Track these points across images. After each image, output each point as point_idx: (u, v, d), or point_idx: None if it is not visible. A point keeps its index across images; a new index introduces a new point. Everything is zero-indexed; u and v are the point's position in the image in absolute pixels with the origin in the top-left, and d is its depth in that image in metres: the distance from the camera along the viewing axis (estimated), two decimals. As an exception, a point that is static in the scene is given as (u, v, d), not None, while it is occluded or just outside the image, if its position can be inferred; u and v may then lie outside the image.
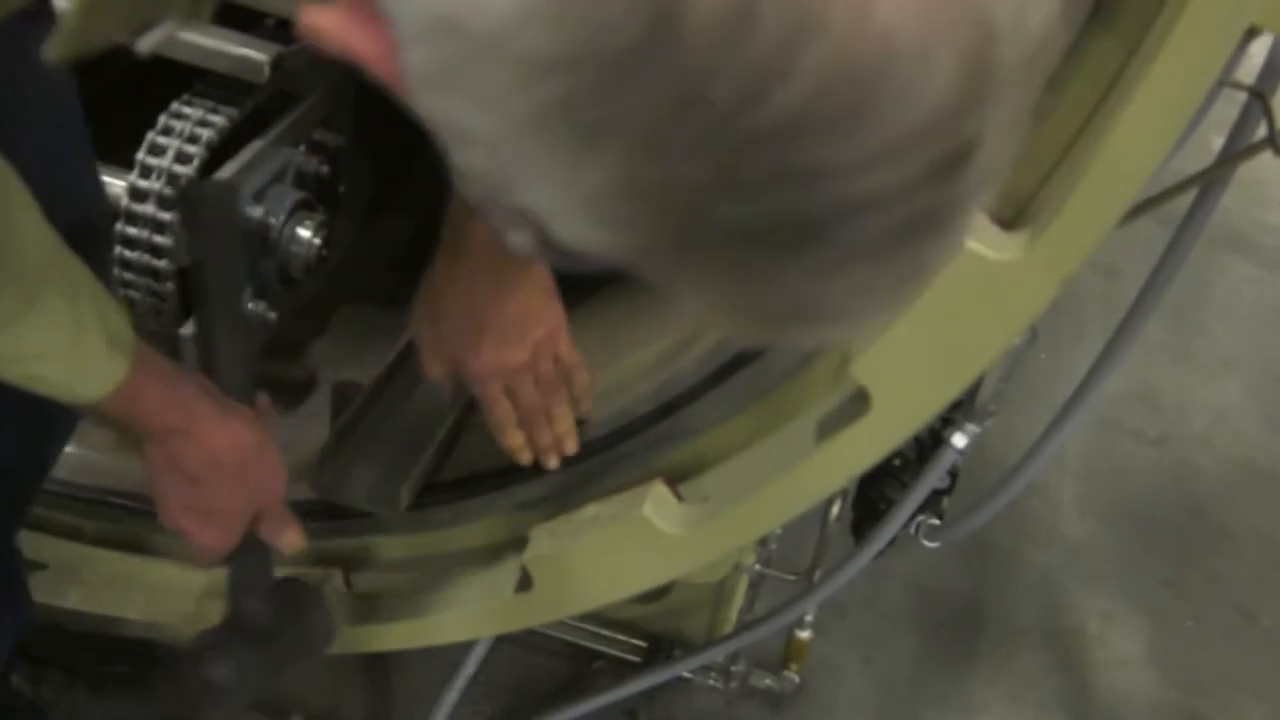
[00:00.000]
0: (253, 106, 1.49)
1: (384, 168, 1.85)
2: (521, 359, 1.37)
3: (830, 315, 0.57)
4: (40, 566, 1.65)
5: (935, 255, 0.56)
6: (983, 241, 1.09)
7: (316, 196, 1.59)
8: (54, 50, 0.78)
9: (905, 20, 0.47)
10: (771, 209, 0.51)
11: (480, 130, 0.53)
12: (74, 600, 1.64)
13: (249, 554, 1.31)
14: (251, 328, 1.49)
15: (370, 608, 1.57)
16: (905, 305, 0.61)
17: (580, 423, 1.42)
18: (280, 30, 1.55)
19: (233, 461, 1.23)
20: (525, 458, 1.41)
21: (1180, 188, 1.32)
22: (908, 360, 1.17)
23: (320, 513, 1.54)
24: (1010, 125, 0.53)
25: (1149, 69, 0.98)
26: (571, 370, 1.42)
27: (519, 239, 0.59)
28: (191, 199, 1.31)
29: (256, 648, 1.30)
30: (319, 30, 0.59)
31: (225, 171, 1.38)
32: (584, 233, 0.54)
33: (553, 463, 1.41)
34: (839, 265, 0.54)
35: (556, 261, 0.63)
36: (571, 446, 1.41)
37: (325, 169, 1.59)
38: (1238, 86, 1.20)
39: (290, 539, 1.32)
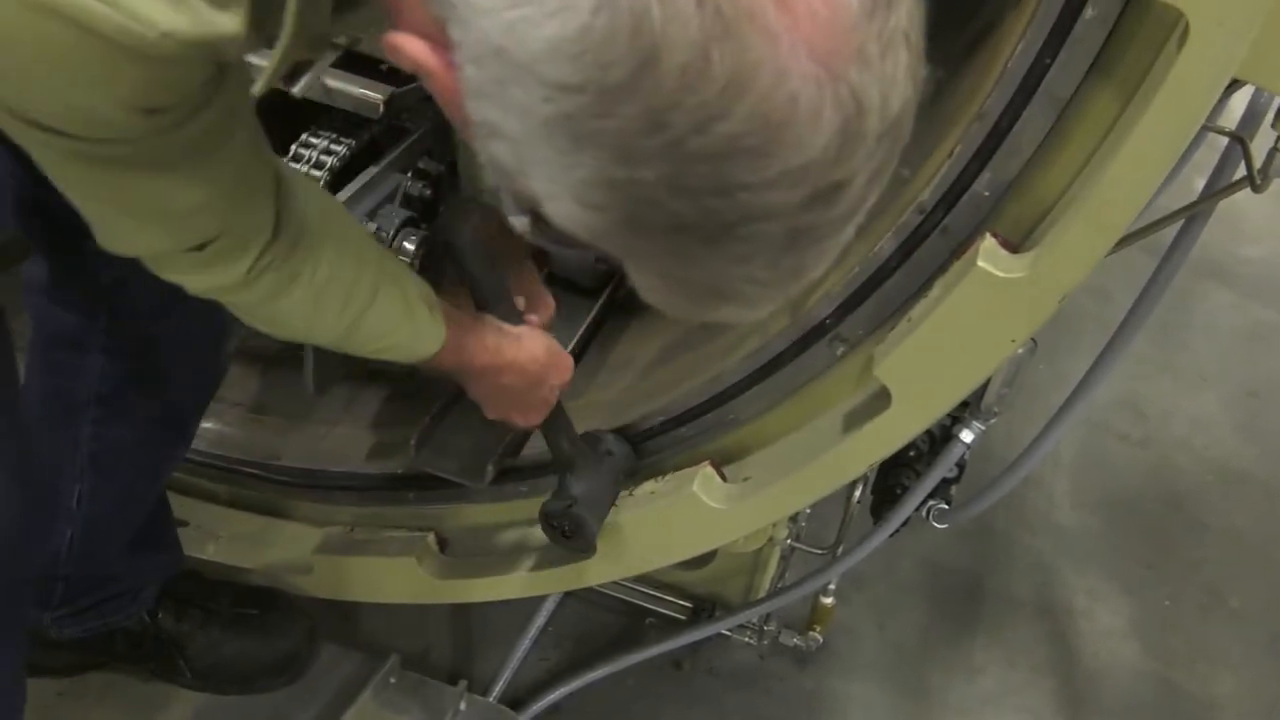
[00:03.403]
0: (368, 137, 1.52)
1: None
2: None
3: (734, 297, 0.68)
4: (183, 524, 1.69)
5: (813, 263, 0.68)
6: (993, 262, 1.09)
7: (420, 215, 1.62)
8: (258, 90, 0.82)
9: (808, 89, 0.58)
10: (702, 208, 0.61)
11: (507, 129, 0.63)
12: (210, 553, 1.67)
13: (558, 415, 1.36)
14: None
15: (458, 565, 1.59)
16: (788, 299, 0.71)
17: None
18: (393, 74, 1.57)
19: (538, 370, 1.28)
20: None
21: (1167, 220, 1.31)
22: (925, 363, 1.16)
23: (417, 483, 1.57)
24: (875, 175, 0.64)
25: (1141, 116, 0.98)
26: None
27: (520, 223, 0.71)
28: None
29: (587, 481, 1.38)
30: (401, 48, 0.69)
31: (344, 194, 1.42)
32: (569, 212, 0.64)
33: None
34: (744, 258, 0.64)
35: (546, 243, 0.74)
36: None
37: (428, 192, 1.61)
38: (1221, 131, 1.19)
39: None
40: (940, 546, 2.17)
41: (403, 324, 1.14)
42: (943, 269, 1.16)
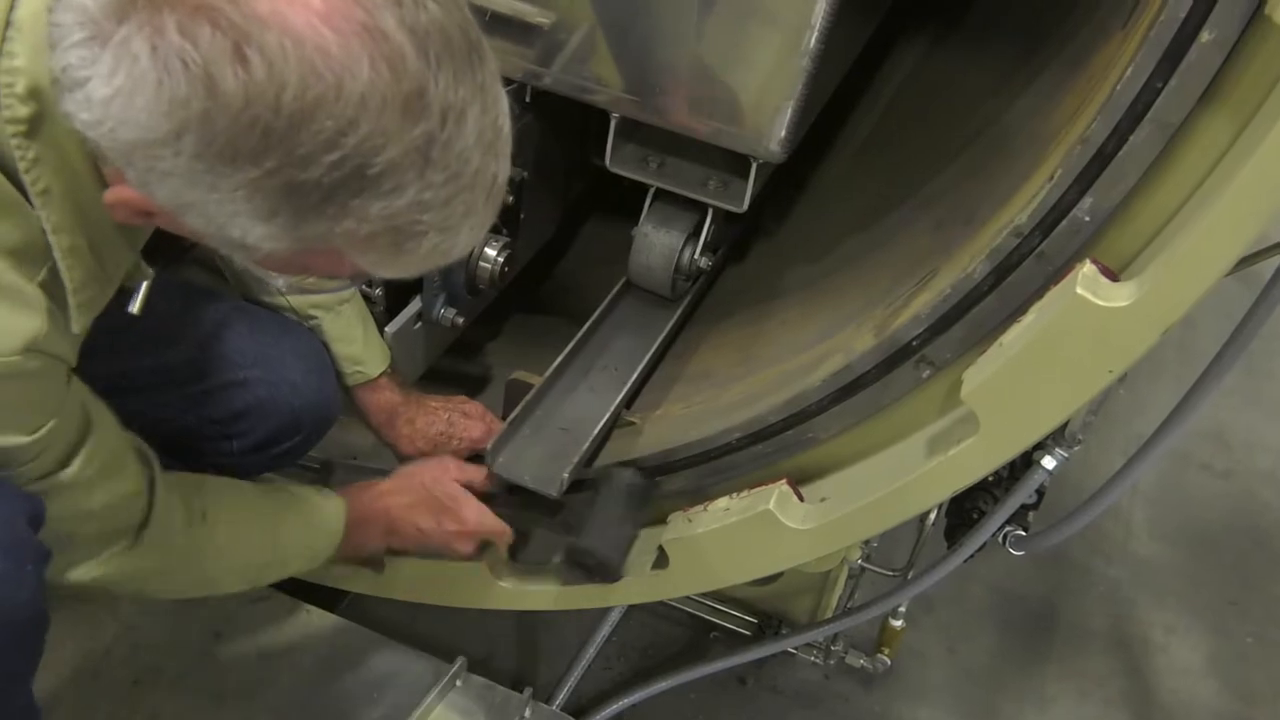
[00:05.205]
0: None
1: (557, 199, 1.88)
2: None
3: (422, 229, 0.80)
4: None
5: (467, 166, 0.79)
6: (1092, 290, 1.05)
7: (501, 221, 1.62)
8: (75, 326, 0.95)
9: (328, 38, 0.73)
10: (328, 165, 0.75)
11: (182, 197, 0.78)
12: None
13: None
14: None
15: (528, 574, 1.59)
16: (467, 221, 0.83)
17: None
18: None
19: (418, 473, 1.44)
20: None
21: (1270, 251, 1.26)
22: (1016, 391, 1.13)
23: (491, 492, 1.57)
24: (458, 76, 0.77)
25: (1259, 144, 0.94)
26: None
27: (284, 283, 0.91)
28: None
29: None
30: (110, 202, 0.84)
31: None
32: (265, 233, 0.79)
33: None
34: (397, 189, 0.77)
35: (307, 290, 1.08)
36: None
37: (510, 198, 1.62)
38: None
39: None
40: (1013, 572, 2.13)
41: (299, 521, 1.32)
42: (1038, 294, 1.13)
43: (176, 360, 1.35)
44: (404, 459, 1.55)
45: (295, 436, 1.43)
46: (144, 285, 1.05)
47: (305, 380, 1.41)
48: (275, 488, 1.34)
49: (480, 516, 1.44)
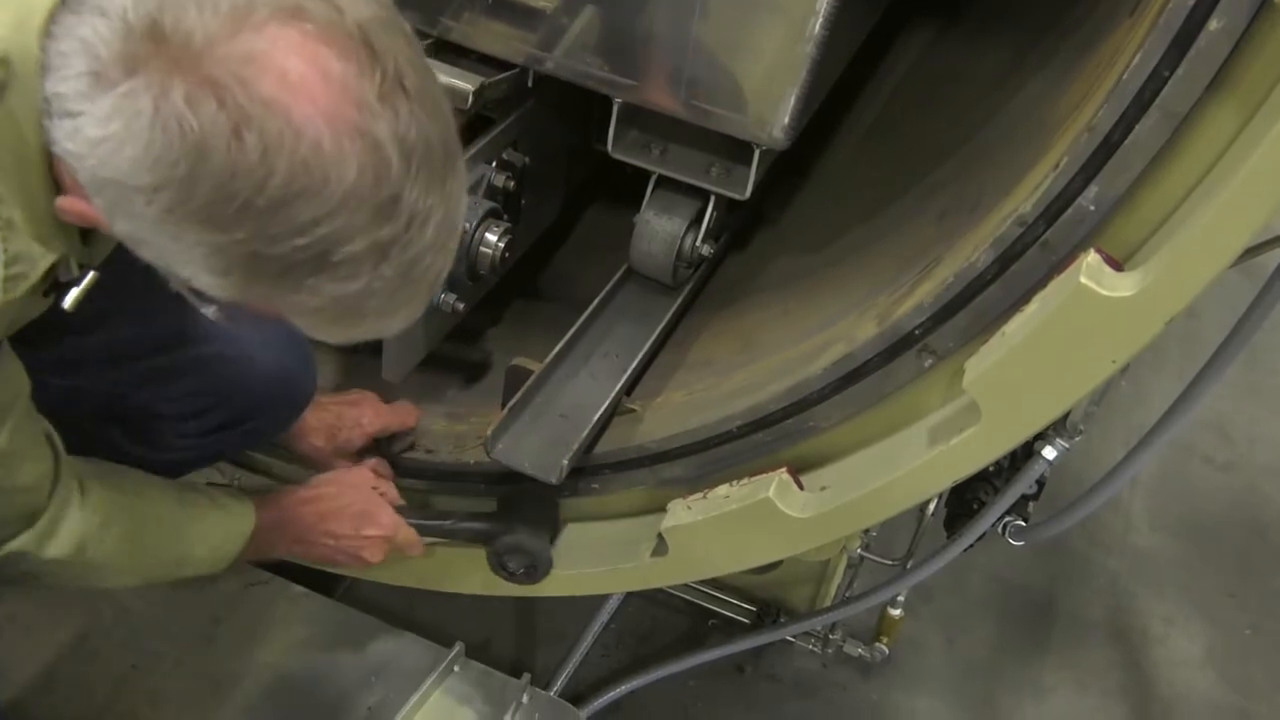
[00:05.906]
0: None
1: (559, 185, 1.87)
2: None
3: (367, 311, 0.85)
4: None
5: (416, 267, 0.84)
6: (1096, 279, 1.04)
7: (503, 206, 1.62)
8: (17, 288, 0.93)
9: (324, 136, 0.76)
10: (294, 248, 0.79)
11: (140, 234, 0.81)
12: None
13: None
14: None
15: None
16: (405, 309, 0.89)
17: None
18: (482, 64, 1.57)
19: (344, 478, 1.46)
20: None
21: (1274, 244, 1.26)
22: (1018, 380, 1.13)
23: (488, 476, 1.57)
24: (429, 187, 0.81)
25: (1265, 135, 0.93)
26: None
27: (210, 311, 0.89)
28: None
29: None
30: (62, 209, 0.87)
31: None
32: (211, 283, 0.82)
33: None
34: (350, 276, 0.81)
35: (239, 325, 1.04)
36: None
37: (512, 184, 1.61)
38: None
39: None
40: (1012, 562, 2.13)
41: (203, 523, 1.30)
42: (1041, 284, 1.12)
43: (129, 335, 1.32)
44: (298, 456, 1.58)
45: (258, 417, 1.42)
46: (85, 282, 1.01)
47: (272, 357, 1.39)
48: (185, 486, 1.32)
49: (396, 524, 1.46)
